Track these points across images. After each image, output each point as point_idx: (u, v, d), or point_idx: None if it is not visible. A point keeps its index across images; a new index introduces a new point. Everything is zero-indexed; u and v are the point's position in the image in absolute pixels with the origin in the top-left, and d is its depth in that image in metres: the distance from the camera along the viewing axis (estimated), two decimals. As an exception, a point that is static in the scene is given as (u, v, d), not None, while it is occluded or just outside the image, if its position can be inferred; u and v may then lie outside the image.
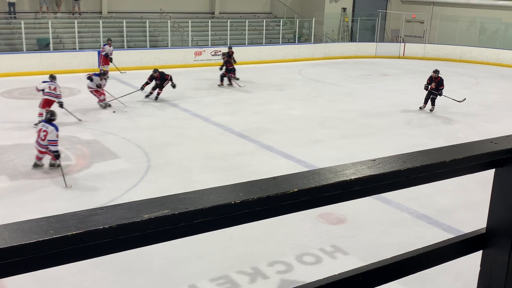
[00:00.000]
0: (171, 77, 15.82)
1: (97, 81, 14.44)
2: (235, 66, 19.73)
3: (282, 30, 26.96)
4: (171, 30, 23.74)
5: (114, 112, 14.21)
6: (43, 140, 9.44)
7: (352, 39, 29.44)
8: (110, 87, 15.26)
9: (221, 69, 18.66)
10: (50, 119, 9.65)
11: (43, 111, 12.56)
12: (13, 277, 0.83)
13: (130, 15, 24.40)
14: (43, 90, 12.55)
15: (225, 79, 18.67)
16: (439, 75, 15.28)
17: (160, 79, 15.67)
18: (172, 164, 10.34)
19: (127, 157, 10.73)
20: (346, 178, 1.09)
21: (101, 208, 0.90)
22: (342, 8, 29.37)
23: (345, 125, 13.81)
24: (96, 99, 14.71)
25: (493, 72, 23.95)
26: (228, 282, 6.25)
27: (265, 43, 25.84)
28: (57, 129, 9.44)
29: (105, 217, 0.87)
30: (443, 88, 15.34)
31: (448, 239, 1.42)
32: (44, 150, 9.57)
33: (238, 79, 19.49)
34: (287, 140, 12.17)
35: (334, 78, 21.24)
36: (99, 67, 19.75)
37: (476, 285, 1.44)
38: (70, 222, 0.84)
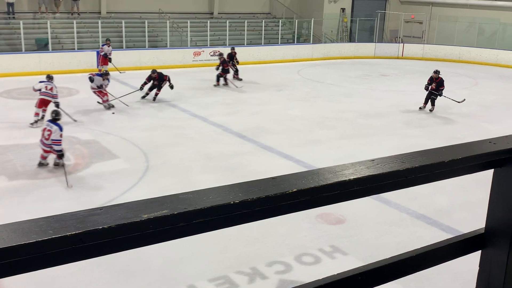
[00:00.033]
0: (169, 78, 15.82)
1: (99, 82, 14.38)
2: (238, 67, 19.76)
3: (281, 30, 26.97)
4: (170, 30, 23.74)
5: (113, 113, 14.16)
6: (47, 139, 9.50)
7: (351, 39, 29.45)
8: (109, 87, 15.23)
9: (217, 69, 18.65)
10: (55, 118, 9.72)
11: (39, 111, 12.66)
12: (12, 277, 0.83)
13: (129, 15, 24.39)
14: (39, 90, 12.64)
15: (221, 79, 18.66)
16: (439, 75, 15.31)
17: (158, 79, 15.66)
18: (171, 164, 10.34)
19: (126, 157, 10.73)
20: (345, 178, 1.10)
21: (100, 208, 0.90)
22: (341, 8, 29.38)
23: (344, 126, 13.82)
24: (99, 100, 14.65)
25: (492, 73, 23.97)
26: (227, 282, 6.25)
27: (264, 44, 25.85)
28: (61, 129, 9.51)
29: (104, 217, 0.87)
30: (443, 89, 15.36)
31: (447, 239, 1.42)
32: (48, 149, 9.64)
33: (241, 79, 19.50)
34: (286, 140, 12.18)
35: (333, 79, 21.25)
36: (97, 67, 19.75)
37: (474, 285, 1.44)
38: (69, 222, 0.85)
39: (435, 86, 15.30)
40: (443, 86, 15.34)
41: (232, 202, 0.96)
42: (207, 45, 24.02)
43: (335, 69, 23.95)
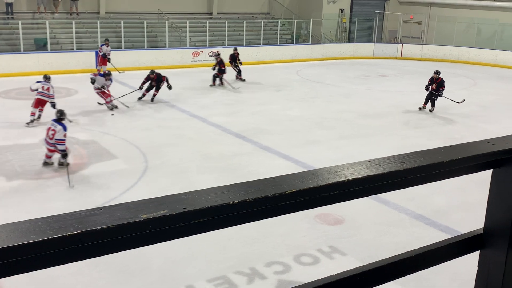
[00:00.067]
0: (167, 79, 15.79)
1: (102, 82, 14.30)
2: (241, 68, 19.72)
3: (280, 30, 26.97)
4: (169, 31, 23.73)
5: (112, 115, 14.06)
6: (51, 138, 9.58)
7: (349, 40, 29.46)
8: (109, 88, 15.22)
9: (213, 69, 18.64)
10: (59, 118, 9.80)
11: (36, 111, 12.75)
12: (11, 277, 0.83)
13: (127, 15, 24.38)
14: (36, 90, 12.72)
15: (218, 79, 18.63)
16: (440, 76, 15.34)
17: (156, 80, 15.62)
18: (170, 165, 10.33)
19: (125, 157, 10.73)
20: (344, 179, 1.10)
21: (99, 209, 0.90)
22: (340, 9, 29.39)
23: (343, 126, 13.82)
24: (100, 101, 14.57)
25: (491, 73, 23.99)
26: (226, 282, 6.25)
27: (263, 44, 25.85)
28: (65, 129, 9.59)
29: (103, 217, 0.87)
30: (443, 89, 15.39)
31: (446, 239, 1.42)
32: (52, 148, 9.72)
33: (244, 80, 19.51)
34: (285, 140, 12.18)
35: (332, 79, 21.25)
36: (96, 67, 19.74)
37: (473, 286, 1.44)
38: (68, 222, 0.85)
39: (436, 87, 15.32)
40: (444, 86, 15.37)
41: (231, 203, 0.96)
42: (206, 46, 24.02)
43: (334, 69, 23.96)
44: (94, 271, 6.35)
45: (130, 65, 21.14)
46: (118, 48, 21.78)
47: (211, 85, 18.55)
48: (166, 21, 23.92)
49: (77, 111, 14.02)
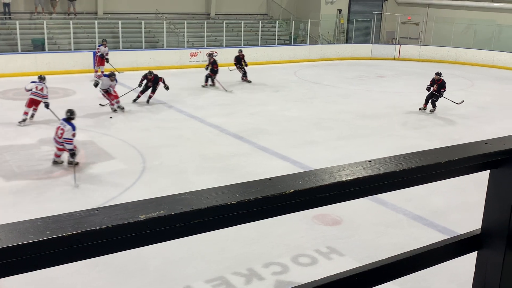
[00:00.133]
0: (163, 80, 15.73)
1: (107, 83, 14.17)
2: (246, 69, 19.66)
3: (277, 31, 26.99)
4: (167, 31, 23.72)
5: (111, 117, 13.85)
6: (60, 137, 9.71)
7: (347, 40, 29.49)
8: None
9: (206, 69, 18.60)
10: (69, 118, 9.92)
11: (29, 110, 12.88)
12: (9, 277, 0.83)
13: (125, 15, 24.36)
14: (30, 90, 12.90)
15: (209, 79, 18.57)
16: (441, 77, 15.40)
17: (153, 81, 15.53)
18: (168, 165, 10.33)
19: (123, 158, 10.72)
20: (342, 179, 1.10)
21: (97, 209, 0.90)
22: (338, 9, 29.41)
23: (341, 127, 13.83)
24: (103, 102, 14.41)
25: (488, 74, 24.03)
26: (224, 283, 6.24)
27: (260, 45, 25.85)
28: (74, 128, 9.71)
29: (102, 218, 0.87)
30: (444, 91, 15.44)
31: (443, 240, 1.43)
32: (61, 147, 9.84)
33: (250, 81, 19.47)
34: (283, 141, 12.18)
35: (329, 80, 21.26)
36: (94, 67, 19.72)
37: (471, 286, 1.44)
38: (66, 222, 0.85)
39: (437, 88, 15.39)
40: (445, 88, 15.43)
41: (229, 203, 0.96)
42: (204, 46, 24.01)
43: (332, 70, 23.98)
44: (92, 271, 6.34)
45: (128, 66, 21.11)
46: (116, 48, 21.75)
47: (203, 86, 18.47)
48: (164, 22, 23.91)
49: (76, 111, 13.96)
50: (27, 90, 12.92)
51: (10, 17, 22.05)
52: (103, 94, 14.31)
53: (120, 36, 22.42)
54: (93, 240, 0.84)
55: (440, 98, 15.51)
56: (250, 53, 24.48)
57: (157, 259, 6.60)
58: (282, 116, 14.73)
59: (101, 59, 19.39)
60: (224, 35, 24.91)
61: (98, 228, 0.84)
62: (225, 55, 23.16)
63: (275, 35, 26.76)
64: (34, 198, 8.59)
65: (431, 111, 15.58)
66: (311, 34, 27.69)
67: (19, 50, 20.17)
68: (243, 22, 25.82)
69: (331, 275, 1.23)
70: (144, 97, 15.59)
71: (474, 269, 1.44)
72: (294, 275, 6.44)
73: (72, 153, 9.73)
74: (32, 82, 13.09)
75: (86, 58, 20.60)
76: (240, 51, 20.15)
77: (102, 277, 6.32)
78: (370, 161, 1.20)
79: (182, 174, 9.86)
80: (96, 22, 22.30)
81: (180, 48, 23.58)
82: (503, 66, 25.62)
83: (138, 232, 0.88)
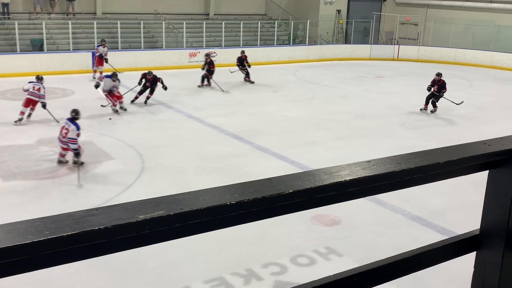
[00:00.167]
0: (162, 80, 15.70)
1: (110, 84, 14.10)
2: (249, 69, 19.63)
3: (276, 31, 26.99)
4: (166, 31, 23.71)
5: (110, 119, 13.76)
6: (64, 137, 9.79)
7: (346, 41, 29.50)
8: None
9: (203, 69, 18.59)
10: (74, 117, 10.00)
11: (26, 110, 12.95)
12: (8, 277, 0.83)
13: (124, 16, 24.35)
14: (28, 90, 12.99)
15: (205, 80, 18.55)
16: (441, 78, 15.43)
17: (152, 82, 15.49)
18: (167, 166, 10.32)
19: (122, 158, 10.71)
20: (341, 179, 1.10)
21: (96, 209, 0.90)
22: (337, 10, 29.41)
23: (340, 127, 13.84)
24: (104, 102, 14.30)
25: (487, 75, 24.06)
26: (223, 284, 6.24)
27: (259, 45, 25.85)
28: (78, 128, 9.80)
29: (101, 218, 0.87)
30: (445, 91, 15.47)
31: (442, 240, 1.43)
32: (65, 146, 9.91)
33: (253, 82, 19.47)
34: (282, 141, 12.18)
35: (328, 80, 21.27)
36: (93, 68, 19.71)
37: (469, 286, 1.44)
38: (65, 222, 0.84)
39: (437, 89, 15.42)
40: (445, 89, 15.47)
41: (228, 203, 0.96)
42: (203, 46, 24.00)
43: (331, 70, 23.99)
44: (91, 272, 6.33)
45: (126, 66, 21.10)
46: (115, 48, 21.73)
47: (199, 86, 18.45)
48: (163, 22, 23.90)
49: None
50: (25, 90, 13.03)
51: (9, 17, 22.03)
52: (105, 95, 14.22)
53: (119, 36, 22.41)
54: (92, 240, 0.84)
55: (440, 99, 15.54)
56: (249, 54, 24.35)
57: (156, 260, 6.60)
58: (281, 116, 14.73)
59: (100, 59, 19.39)
60: (223, 36, 24.90)
61: (97, 228, 0.84)
62: (224, 56, 23.19)
63: (274, 36, 26.76)
64: (33, 198, 8.58)
65: (432, 112, 15.61)
66: (310, 34, 27.70)
67: (18, 50, 20.15)
68: (242, 22, 25.82)
69: (330, 276, 1.23)
70: (142, 98, 15.55)
71: (472, 269, 1.44)
72: (293, 276, 6.44)
73: (77, 153, 9.80)
74: (30, 82, 13.17)
75: (85, 58, 20.59)
76: (243, 52, 20.11)
77: (101, 277, 6.32)
78: (369, 161, 1.20)
79: (181, 174, 9.86)
80: (95, 22, 22.29)
81: (179, 49, 23.58)
82: (502, 67, 25.64)
83: (137, 232, 0.88)
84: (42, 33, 20.88)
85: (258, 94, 17.93)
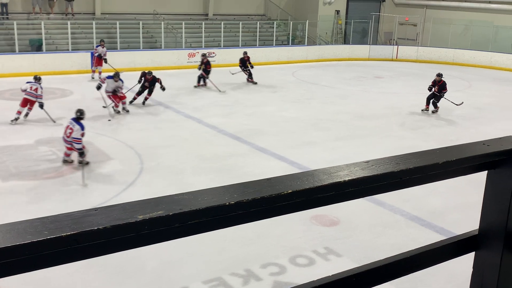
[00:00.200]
0: (160, 81, 15.68)
1: (112, 85, 14.02)
2: (252, 71, 19.58)
3: (275, 32, 26.98)
4: (165, 32, 23.70)
5: (109, 120, 13.64)
6: (68, 137, 9.81)
7: (345, 41, 29.50)
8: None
9: (199, 69, 18.57)
10: (79, 117, 10.03)
11: (23, 109, 13.05)
12: (7, 277, 0.83)
13: (123, 16, 24.33)
14: (25, 90, 13.03)
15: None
16: (442, 78, 15.46)
17: (150, 82, 15.47)
18: (166, 166, 10.32)
19: (121, 159, 10.70)
20: (340, 180, 1.10)
21: (95, 209, 0.90)
22: (336, 10, 29.42)
23: (339, 127, 13.84)
24: (106, 103, 14.18)
25: (486, 75, 24.07)
26: (222, 284, 6.24)
27: (258, 45, 25.85)
28: (82, 128, 9.83)
29: (100, 218, 0.86)
30: (445, 92, 15.50)
31: (441, 240, 1.43)
32: (69, 146, 9.93)
33: (256, 83, 19.44)
34: (281, 142, 12.18)
35: (327, 80, 21.27)
36: (91, 68, 19.69)
37: (468, 287, 1.44)
38: (64, 223, 0.84)
39: (438, 89, 15.45)
40: (446, 89, 15.51)
41: (227, 203, 0.96)
42: (201, 47, 23.99)
43: (330, 71, 23.99)
44: (89, 272, 6.33)
45: (125, 66, 21.06)
46: (114, 49, 21.71)
47: (195, 86, 18.43)
48: (162, 22, 23.89)
49: (72, 112, 13.93)
50: (22, 91, 13.08)
51: (7, 17, 22.01)
52: (108, 96, 14.13)
53: (118, 37, 22.39)
54: (91, 240, 0.84)
55: (441, 99, 15.57)
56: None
57: (155, 260, 6.59)
58: (280, 116, 14.73)
59: (98, 60, 19.37)
60: (222, 36, 24.90)
61: (96, 228, 0.84)
62: (223, 56, 23.20)
63: (273, 36, 26.76)
64: (32, 198, 8.58)
65: (433, 112, 15.64)
66: (309, 35, 27.70)
67: (17, 50, 20.13)
68: (241, 22, 25.82)
69: (329, 276, 1.23)
70: (140, 99, 15.52)
71: (471, 269, 1.44)
72: (291, 276, 6.44)
73: (81, 153, 9.81)
74: (28, 82, 13.23)
75: (83, 59, 20.57)
76: (245, 52, 20.05)
77: (100, 278, 6.31)
78: (368, 161, 1.20)
79: (180, 175, 9.86)
80: (93, 22, 22.27)
81: (178, 49, 23.57)
82: (501, 67, 25.67)
83: (136, 233, 0.88)
84: (41, 33, 20.85)
85: (257, 94, 17.93)
